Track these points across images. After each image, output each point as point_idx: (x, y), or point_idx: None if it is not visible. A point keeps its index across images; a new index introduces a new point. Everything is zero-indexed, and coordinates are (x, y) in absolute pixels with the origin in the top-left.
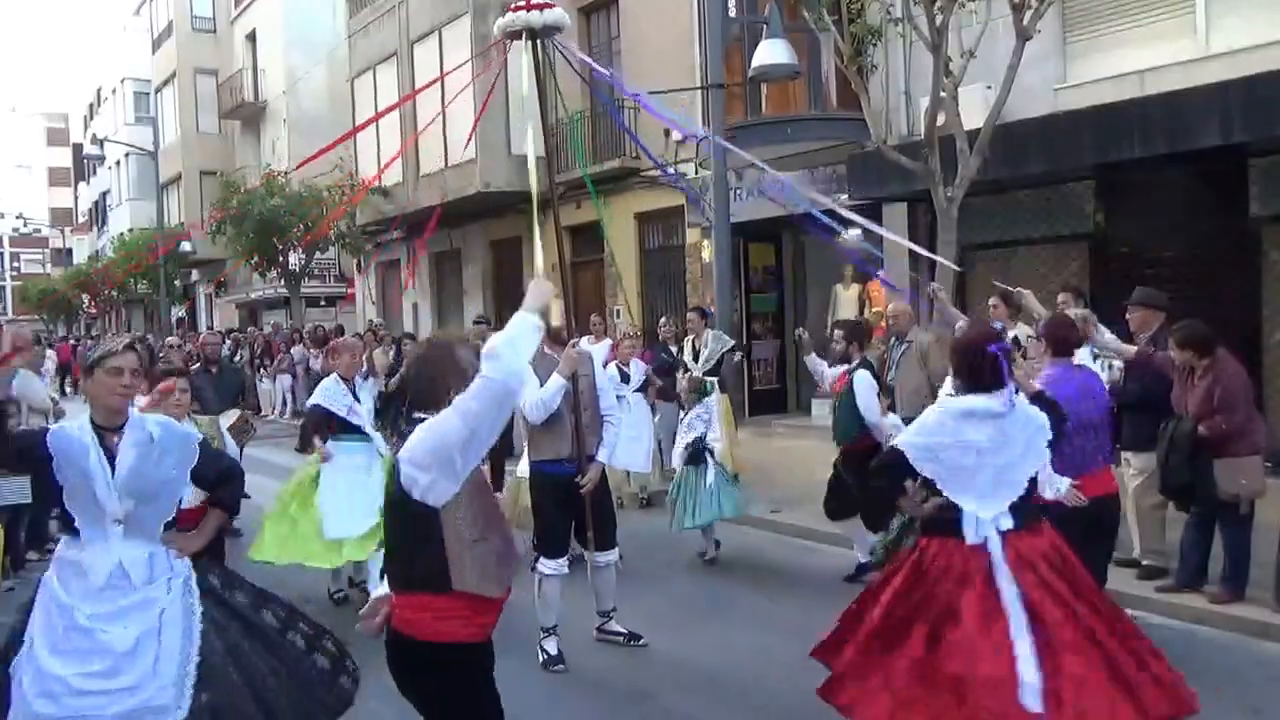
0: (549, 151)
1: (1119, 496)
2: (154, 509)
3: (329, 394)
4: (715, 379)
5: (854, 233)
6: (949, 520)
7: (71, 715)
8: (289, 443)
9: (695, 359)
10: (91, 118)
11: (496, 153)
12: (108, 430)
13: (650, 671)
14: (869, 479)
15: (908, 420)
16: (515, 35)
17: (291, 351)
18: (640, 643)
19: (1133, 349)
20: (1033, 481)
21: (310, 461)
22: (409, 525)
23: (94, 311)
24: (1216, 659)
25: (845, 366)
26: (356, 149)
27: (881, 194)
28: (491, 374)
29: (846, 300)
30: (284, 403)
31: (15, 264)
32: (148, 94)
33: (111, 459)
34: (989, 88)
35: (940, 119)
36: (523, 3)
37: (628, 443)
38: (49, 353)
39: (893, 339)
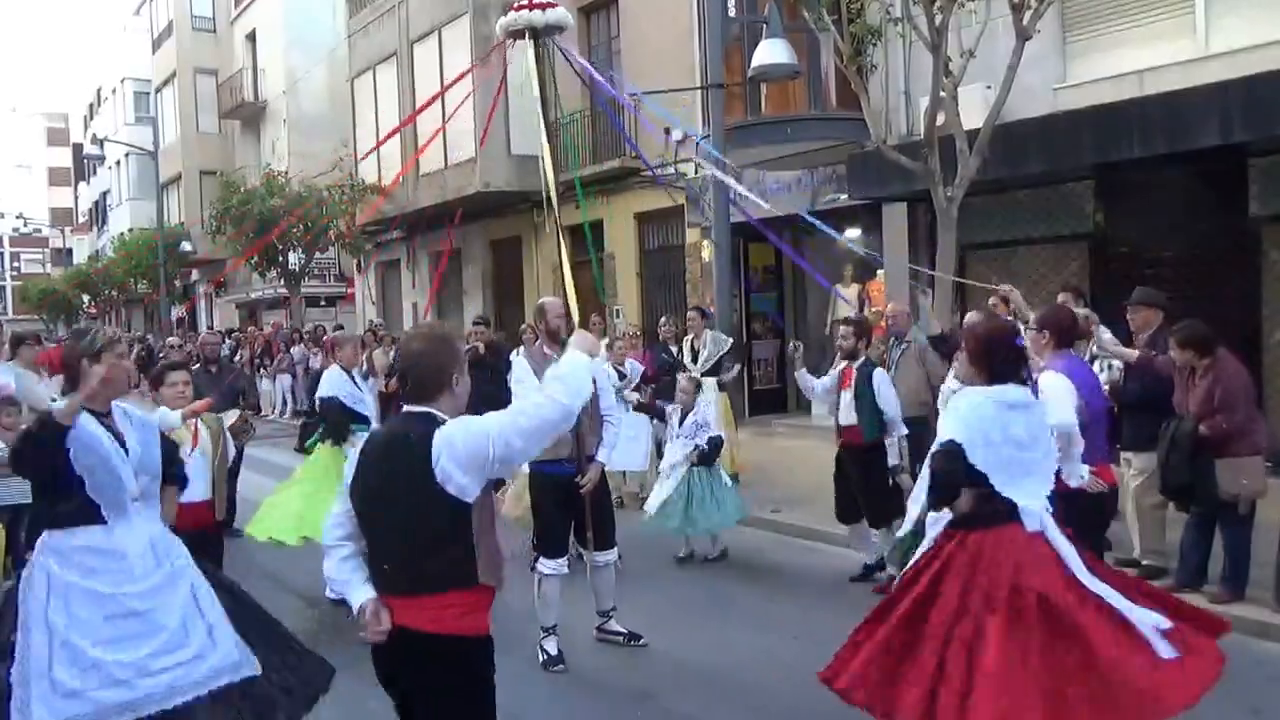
0: (552, 151)
1: (1117, 491)
2: (155, 484)
3: (338, 384)
4: (715, 379)
5: (853, 233)
6: (999, 511)
7: (152, 693)
8: (289, 443)
9: (694, 359)
10: (91, 118)
11: (496, 153)
12: (103, 415)
13: (650, 671)
14: (937, 474)
15: (908, 420)
16: (518, 34)
17: (291, 351)
18: (640, 643)
19: (1134, 353)
20: (1056, 472)
21: (335, 450)
22: (438, 520)
23: (94, 311)
24: None
25: (847, 363)
26: (356, 149)
27: (881, 194)
28: (560, 397)
29: (846, 300)
30: (284, 403)
31: (15, 264)
32: (148, 94)
33: (119, 440)
34: (989, 88)
35: (940, 119)
36: (525, 2)
37: (626, 443)
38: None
39: (892, 339)
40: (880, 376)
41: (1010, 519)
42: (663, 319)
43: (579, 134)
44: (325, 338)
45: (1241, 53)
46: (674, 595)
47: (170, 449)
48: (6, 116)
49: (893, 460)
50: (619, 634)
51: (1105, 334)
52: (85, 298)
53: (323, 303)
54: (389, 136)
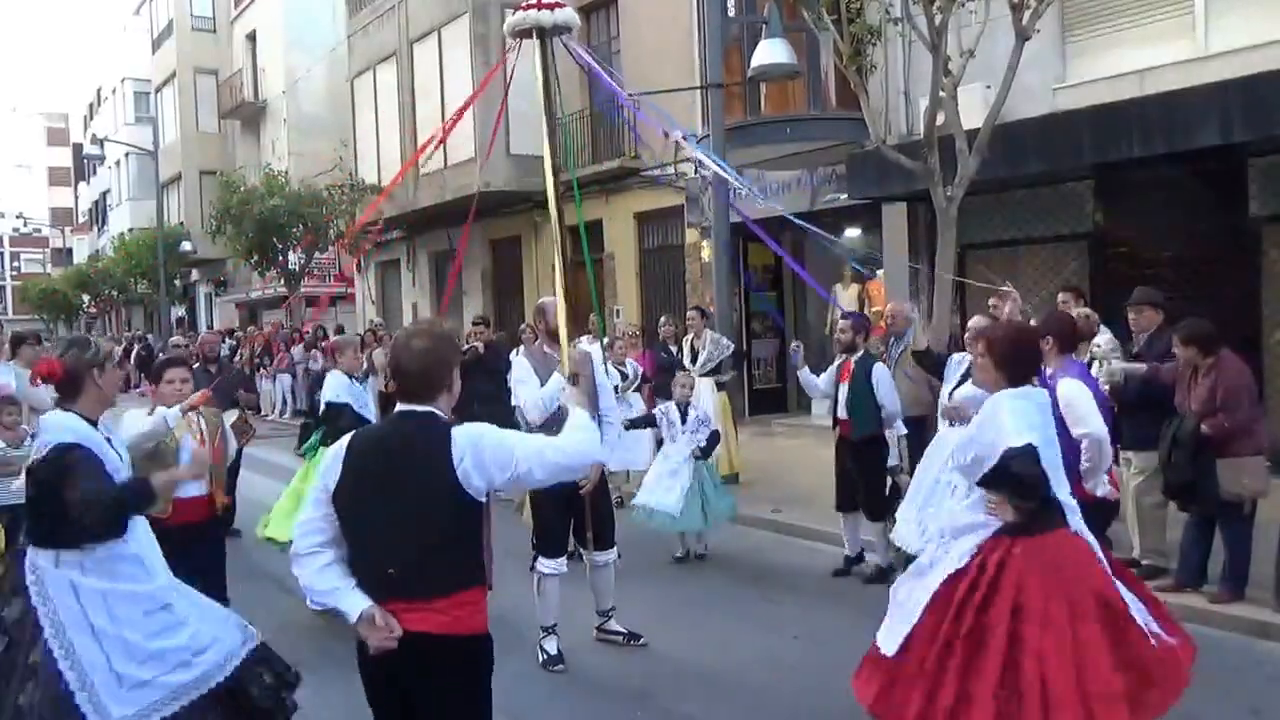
0: (554, 151)
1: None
2: None
3: (346, 390)
4: (714, 379)
5: (853, 233)
6: (1054, 514)
7: (209, 670)
8: (288, 443)
9: (693, 360)
10: (91, 117)
11: (496, 152)
12: (94, 423)
13: (650, 671)
14: (1025, 477)
15: (907, 420)
16: (525, 34)
17: (291, 351)
18: (640, 642)
19: (1143, 367)
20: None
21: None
22: (454, 520)
23: (94, 311)
24: (1216, 659)
25: (845, 356)
26: (356, 149)
27: (881, 194)
28: (590, 450)
29: (846, 300)
30: (284, 402)
31: (15, 264)
32: (148, 94)
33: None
34: (988, 87)
35: (939, 119)
36: (533, 1)
37: (629, 442)
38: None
39: (891, 339)
40: (880, 371)
41: (1062, 521)
42: (662, 319)
43: (578, 134)
44: (325, 342)
45: (1241, 52)
46: (674, 595)
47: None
48: (6, 116)
49: (892, 460)
50: (619, 634)
51: (1114, 350)
52: (85, 298)
53: None
54: (424, 147)
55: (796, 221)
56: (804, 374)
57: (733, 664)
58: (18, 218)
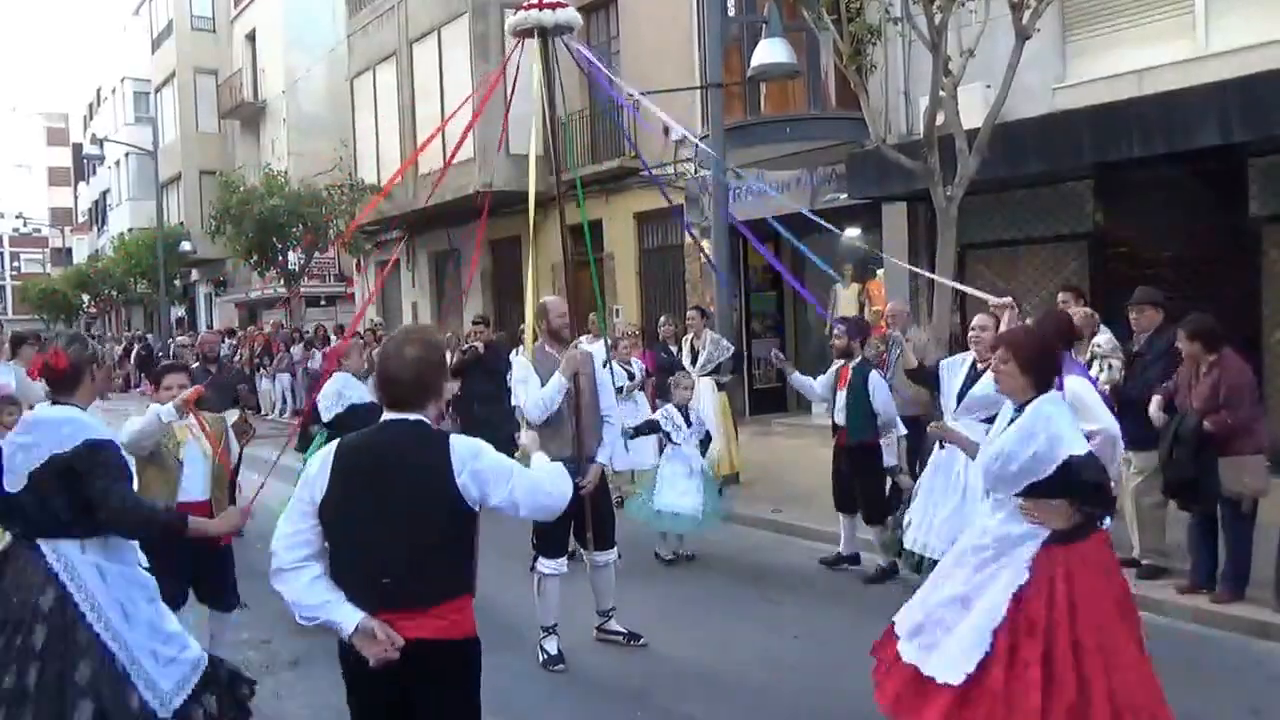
0: (555, 150)
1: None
2: None
3: (356, 390)
4: (714, 379)
5: (853, 232)
6: (1093, 517)
7: (200, 654)
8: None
9: (693, 360)
10: (91, 117)
11: (495, 152)
12: None
13: (650, 671)
14: (1103, 486)
15: (906, 420)
16: (526, 33)
17: (291, 351)
18: (640, 642)
19: (1159, 402)
20: None
21: None
22: (451, 528)
23: (94, 311)
24: (1216, 659)
25: (843, 362)
26: (356, 149)
27: (881, 193)
28: (567, 488)
29: (846, 299)
30: (284, 402)
31: (15, 264)
32: (147, 94)
33: None
34: (988, 87)
35: (939, 118)
36: (535, 1)
37: (635, 442)
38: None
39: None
40: (876, 379)
41: (1099, 523)
42: (662, 319)
43: (578, 134)
44: (338, 345)
45: (1241, 52)
46: (674, 595)
47: None
48: (6, 116)
49: (890, 461)
50: (619, 634)
51: (1152, 405)
52: (85, 298)
53: (322, 302)
54: (423, 146)
55: (773, 224)
56: (796, 378)
57: (733, 664)
58: (17, 218)
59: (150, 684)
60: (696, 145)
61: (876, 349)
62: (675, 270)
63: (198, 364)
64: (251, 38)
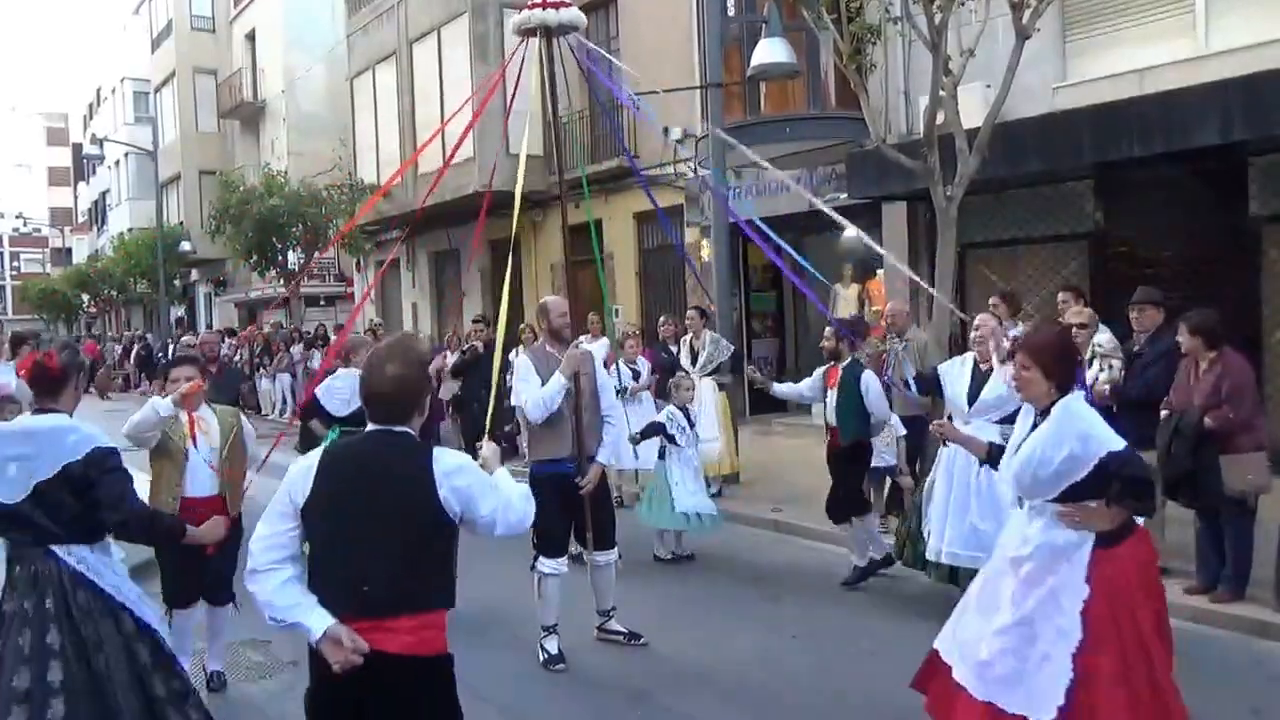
0: (558, 150)
1: None
2: None
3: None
4: (714, 379)
5: (852, 232)
6: (1141, 511)
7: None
8: (288, 442)
9: (693, 360)
10: (91, 117)
11: (495, 152)
12: None
13: (650, 671)
14: (1129, 478)
15: (906, 420)
16: (530, 33)
17: (291, 351)
18: (640, 642)
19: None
20: None
21: None
22: (434, 540)
23: (94, 311)
24: (1217, 659)
25: (831, 363)
26: (355, 149)
27: (881, 193)
28: (526, 515)
29: (846, 299)
30: (284, 402)
31: (15, 264)
32: (147, 93)
33: None
34: (988, 86)
35: (939, 118)
36: (538, 0)
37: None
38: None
39: (891, 338)
40: (870, 378)
41: (1136, 522)
42: (662, 319)
43: (578, 133)
44: (347, 343)
45: (1241, 51)
46: (674, 595)
47: None
48: (6, 116)
49: (890, 461)
50: (619, 634)
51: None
52: (85, 297)
53: (322, 302)
54: (423, 147)
55: (744, 225)
56: (778, 390)
57: (733, 664)
58: (17, 218)
59: (179, 662)
60: (696, 145)
61: (876, 348)
62: (675, 270)
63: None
64: (251, 37)
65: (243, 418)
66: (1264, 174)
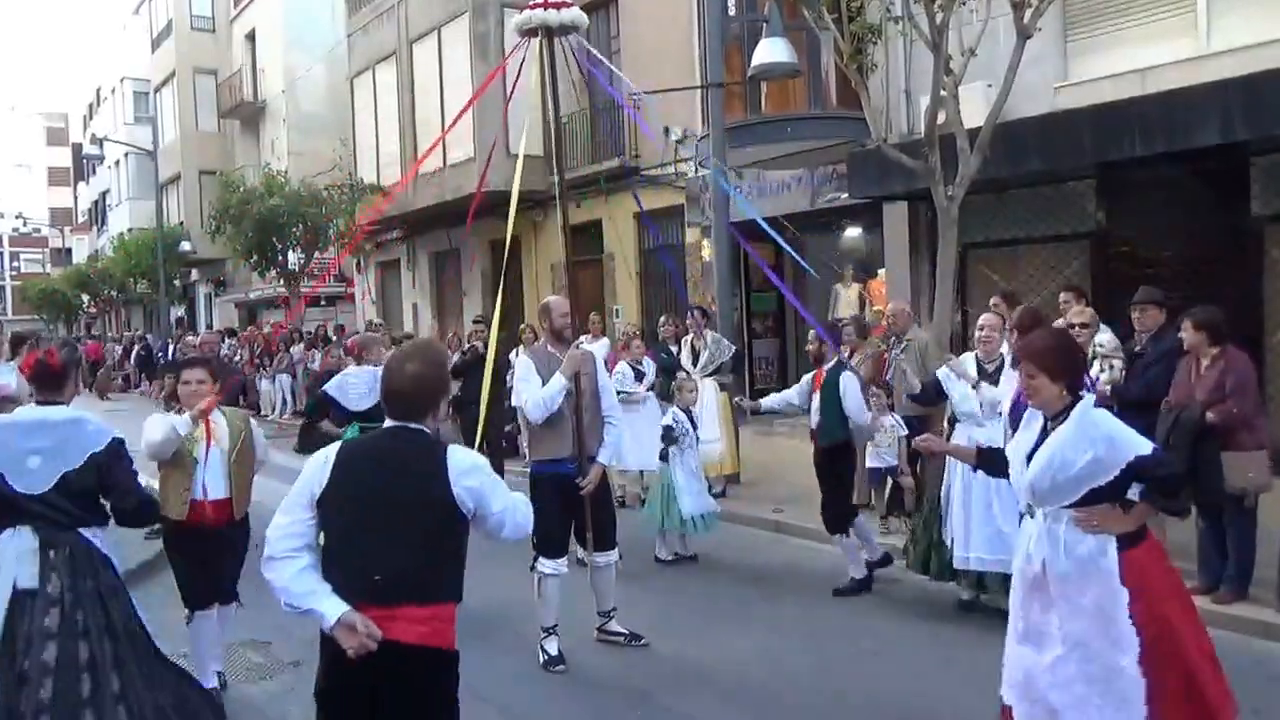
0: (557, 151)
1: None
2: None
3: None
4: (715, 379)
5: (853, 233)
6: (1173, 510)
7: None
8: (289, 442)
9: (694, 360)
10: (91, 117)
11: (496, 152)
12: None
13: (650, 671)
14: (1162, 478)
15: (909, 420)
16: (531, 33)
17: (291, 351)
18: (641, 643)
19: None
20: None
21: None
22: (448, 533)
23: (94, 311)
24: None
25: (817, 368)
26: (356, 149)
27: (882, 193)
28: (528, 522)
29: (846, 299)
30: (284, 402)
31: (15, 264)
32: (147, 93)
33: None
34: (989, 86)
35: (941, 117)
36: (540, 1)
37: (644, 441)
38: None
39: (892, 338)
40: (847, 379)
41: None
42: (662, 319)
43: (578, 133)
44: (356, 340)
45: (1243, 51)
46: (674, 595)
47: None
48: (6, 116)
49: (890, 462)
50: (619, 634)
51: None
52: (85, 298)
53: (322, 302)
54: (429, 151)
55: (732, 221)
56: (766, 403)
57: (733, 664)
58: (17, 218)
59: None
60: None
61: (877, 348)
62: (675, 270)
63: None
64: (251, 37)
65: (253, 422)
66: (1265, 174)
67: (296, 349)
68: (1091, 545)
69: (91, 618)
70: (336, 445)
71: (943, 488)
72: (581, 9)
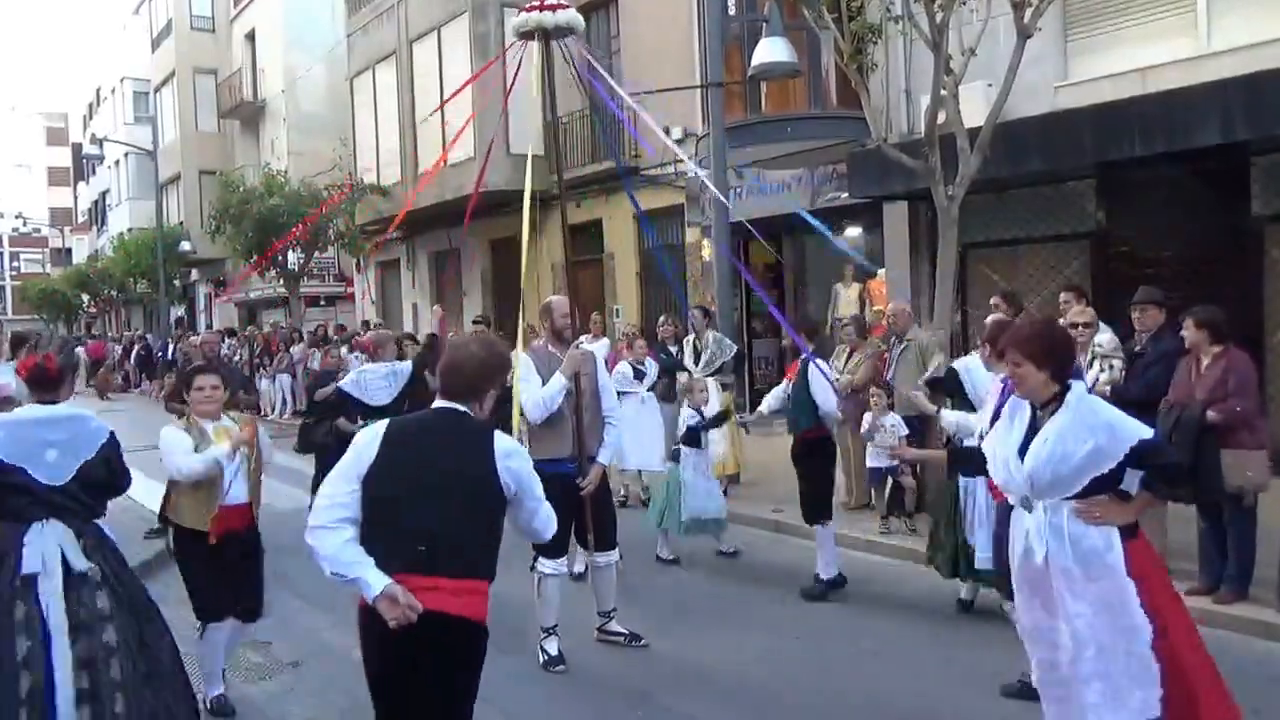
0: (557, 151)
1: None
2: None
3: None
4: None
5: (853, 232)
6: (1177, 498)
7: None
8: (289, 442)
9: (696, 360)
10: (91, 117)
11: (496, 152)
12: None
13: (650, 671)
14: (1164, 465)
15: (910, 419)
16: (528, 35)
17: (291, 351)
18: (641, 643)
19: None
20: None
21: None
22: (492, 510)
23: (94, 311)
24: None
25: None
26: (355, 148)
27: (882, 192)
28: (551, 524)
29: (846, 299)
30: (284, 402)
31: (15, 264)
32: (147, 93)
33: None
34: (990, 86)
35: (941, 117)
36: (536, 3)
37: (648, 442)
38: (78, 350)
39: (892, 338)
40: (815, 370)
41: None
42: (662, 319)
43: (578, 133)
44: (362, 338)
45: (1243, 50)
46: (674, 596)
47: None
48: (6, 116)
49: (891, 461)
50: (620, 634)
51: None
52: (85, 297)
53: (322, 302)
54: (441, 157)
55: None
56: (765, 406)
57: (733, 664)
58: (17, 218)
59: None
60: (697, 145)
61: (877, 348)
62: (675, 270)
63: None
64: (251, 37)
65: (259, 424)
66: (1266, 174)
67: (296, 349)
68: (1096, 539)
69: (126, 601)
70: (385, 421)
71: (960, 488)
72: (581, 9)
